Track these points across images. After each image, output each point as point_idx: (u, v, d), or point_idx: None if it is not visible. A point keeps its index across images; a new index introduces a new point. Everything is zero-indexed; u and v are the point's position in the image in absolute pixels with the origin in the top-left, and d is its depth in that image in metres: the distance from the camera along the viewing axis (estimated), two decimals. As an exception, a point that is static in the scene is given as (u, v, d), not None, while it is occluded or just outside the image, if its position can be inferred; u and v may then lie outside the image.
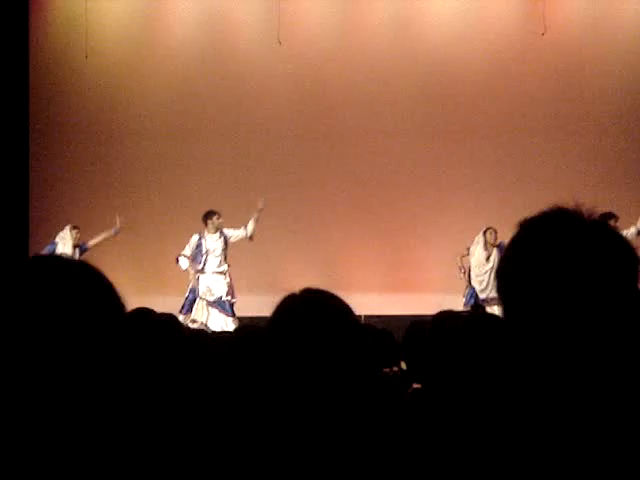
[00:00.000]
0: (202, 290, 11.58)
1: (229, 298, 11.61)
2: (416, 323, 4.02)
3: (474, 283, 11.63)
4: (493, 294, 10.83)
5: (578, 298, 1.28)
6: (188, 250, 11.74)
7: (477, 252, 11.71)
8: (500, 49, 13.93)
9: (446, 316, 2.71)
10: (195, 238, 11.72)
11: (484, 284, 11.50)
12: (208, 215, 11.75)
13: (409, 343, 3.84)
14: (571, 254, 1.30)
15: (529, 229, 1.37)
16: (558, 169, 13.64)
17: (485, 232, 11.74)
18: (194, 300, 11.59)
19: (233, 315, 11.59)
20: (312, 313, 1.68)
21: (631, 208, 12.67)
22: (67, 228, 11.79)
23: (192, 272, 11.71)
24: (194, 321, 11.32)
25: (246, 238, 11.88)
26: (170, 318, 3.22)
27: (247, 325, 3.09)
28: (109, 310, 1.28)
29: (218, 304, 11.56)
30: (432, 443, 1.52)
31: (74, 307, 1.24)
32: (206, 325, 11.12)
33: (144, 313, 3.07)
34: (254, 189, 13.56)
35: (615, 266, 1.30)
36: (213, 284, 11.62)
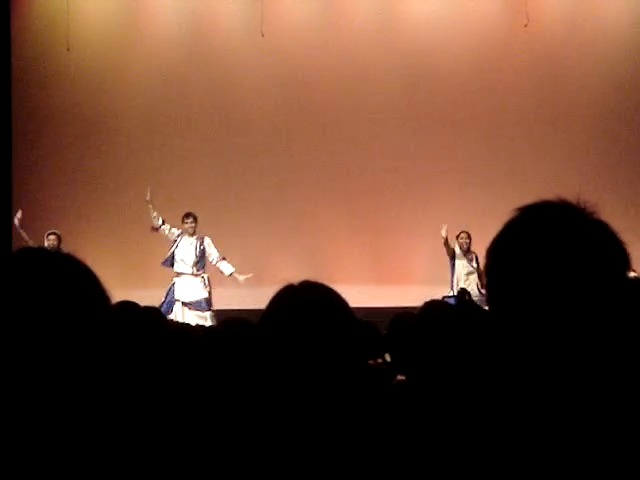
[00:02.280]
0: (178, 292, 11.29)
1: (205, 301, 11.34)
2: (400, 315, 4.03)
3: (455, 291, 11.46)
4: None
5: (566, 289, 1.28)
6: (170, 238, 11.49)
7: (459, 262, 11.63)
8: (483, 41, 13.95)
9: (434, 306, 2.71)
10: (175, 232, 11.49)
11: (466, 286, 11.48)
12: (183, 217, 11.47)
13: (394, 335, 3.85)
14: (561, 245, 1.30)
15: (521, 219, 1.36)
16: (543, 160, 13.70)
17: (457, 236, 11.71)
18: (172, 302, 11.28)
19: (210, 309, 11.37)
20: (311, 304, 1.68)
21: (616, 198, 12.73)
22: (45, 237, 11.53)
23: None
24: None
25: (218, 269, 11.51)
26: (154, 311, 3.22)
27: (232, 317, 3.08)
28: (95, 302, 1.27)
29: (194, 305, 11.29)
30: (417, 434, 1.53)
31: (60, 299, 1.23)
32: None
33: (128, 306, 3.07)
34: (239, 181, 13.55)
35: (604, 258, 1.30)
36: (189, 287, 11.32)
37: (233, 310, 11.68)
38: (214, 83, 13.74)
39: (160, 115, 13.70)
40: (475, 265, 11.48)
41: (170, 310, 11.11)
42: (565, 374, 1.27)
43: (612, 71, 14.00)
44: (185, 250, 11.36)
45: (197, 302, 11.28)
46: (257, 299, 11.61)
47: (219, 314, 11.46)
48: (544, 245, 1.30)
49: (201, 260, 11.40)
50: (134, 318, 2.91)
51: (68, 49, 13.42)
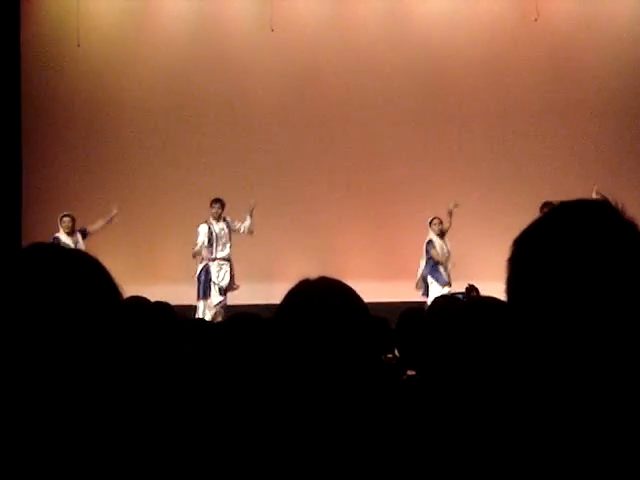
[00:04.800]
0: (214, 275, 11.75)
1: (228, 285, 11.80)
2: (408, 310, 4.02)
3: (441, 272, 11.91)
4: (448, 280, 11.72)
5: (592, 291, 1.25)
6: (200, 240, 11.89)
7: (436, 243, 12.05)
8: (493, 35, 13.92)
9: (443, 302, 2.70)
10: (202, 230, 11.84)
11: (448, 269, 11.96)
12: (211, 202, 11.90)
13: (402, 330, 3.84)
14: (593, 244, 1.27)
15: (554, 214, 1.34)
16: (552, 155, 13.66)
17: (430, 222, 12.13)
18: (208, 285, 11.75)
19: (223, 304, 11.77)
20: (327, 299, 1.68)
21: (626, 192, 12.66)
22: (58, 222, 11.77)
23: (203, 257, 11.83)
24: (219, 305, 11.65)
25: (245, 233, 12.00)
26: (164, 306, 3.22)
27: (241, 313, 3.08)
28: (106, 297, 1.27)
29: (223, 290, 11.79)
30: (427, 429, 1.52)
31: (71, 293, 1.23)
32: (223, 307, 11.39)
33: (138, 301, 3.07)
34: (248, 176, 13.55)
35: (634, 260, 1.26)
36: (220, 272, 11.80)
37: (243, 305, 11.71)
38: (223, 78, 13.74)
39: (169, 109, 13.71)
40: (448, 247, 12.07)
41: (208, 294, 11.62)
42: (580, 373, 1.26)
43: (622, 65, 13.96)
44: (219, 235, 11.80)
45: (224, 287, 11.75)
46: (267, 294, 11.71)
47: (229, 309, 11.51)
48: (574, 243, 1.27)
49: (230, 241, 11.86)
50: (145, 313, 2.91)
51: (78, 45, 13.44)
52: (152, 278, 12.37)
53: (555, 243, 1.29)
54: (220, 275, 11.79)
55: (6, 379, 1.18)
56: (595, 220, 1.30)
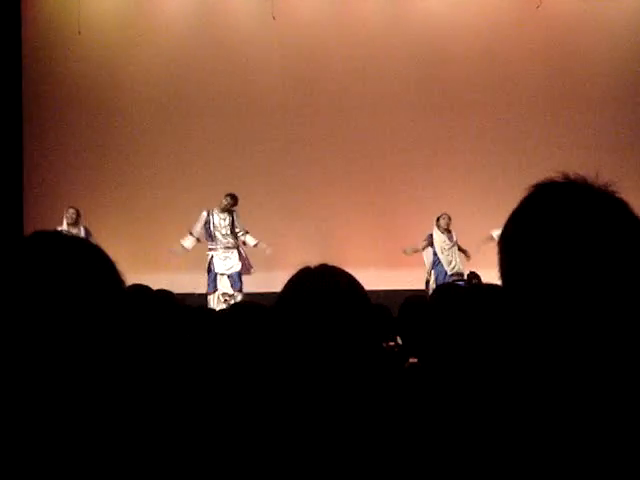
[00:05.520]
0: (217, 266, 11.86)
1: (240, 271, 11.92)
2: (411, 298, 4.02)
3: (444, 264, 12.14)
4: (457, 270, 12.01)
5: (583, 270, 1.25)
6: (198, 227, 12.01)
7: (437, 238, 12.25)
8: (495, 23, 13.87)
9: (447, 289, 2.71)
10: (202, 217, 11.96)
11: (452, 263, 12.16)
12: (225, 195, 12.00)
13: (404, 318, 3.84)
14: (581, 221, 1.27)
15: (540, 194, 1.33)
16: (554, 142, 13.63)
17: (438, 219, 12.28)
18: (214, 277, 11.88)
19: (241, 291, 11.85)
20: (329, 287, 1.69)
21: (627, 181, 12.64)
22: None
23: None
24: (225, 294, 11.73)
25: (240, 237, 12.10)
26: (167, 294, 3.22)
27: (244, 301, 3.08)
28: (109, 285, 1.28)
29: (229, 278, 11.87)
30: (429, 417, 1.53)
31: (75, 281, 1.23)
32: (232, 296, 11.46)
33: (141, 289, 3.07)
34: (249, 165, 13.55)
35: (623, 240, 1.26)
36: (226, 260, 11.90)
37: (244, 293, 11.75)
38: (225, 66, 13.71)
39: (170, 97, 13.69)
40: (454, 240, 12.22)
41: (215, 286, 11.79)
42: (579, 357, 1.26)
43: (624, 53, 13.91)
44: (217, 225, 11.89)
45: (233, 275, 11.84)
46: (268, 282, 11.70)
47: (230, 297, 11.53)
48: (563, 222, 1.27)
49: (234, 232, 11.96)
50: (147, 301, 2.91)
51: (79, 32, 13.41)
52: (153, 267, 12.39)
53: (541, 223, 1.28)
54: (227, 264, 11.87)
55: (10, 365, 1.19)
56: (581, 198, 1.29)
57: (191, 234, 12.01)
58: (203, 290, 11.84)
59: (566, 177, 1.33)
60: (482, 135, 13.78)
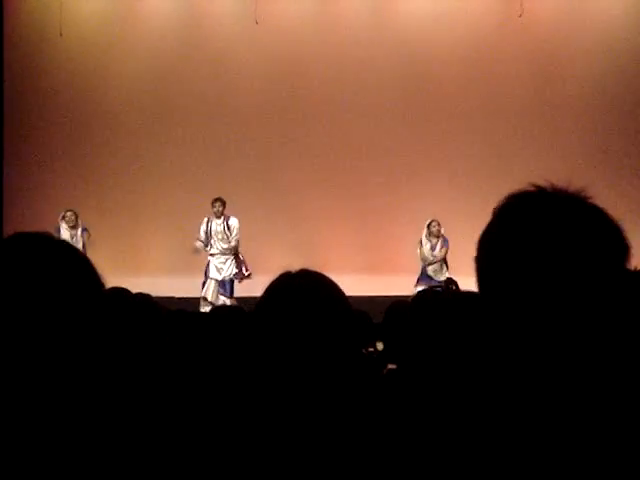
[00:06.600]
0: (212, 271, 12.06)
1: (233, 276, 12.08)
2: (396, 303, 4.00)
3: (428, 270, 12.38)
4: (442, 277, 12.08)
5: (561, 278, 1.25)
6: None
7: (424, 243, 12.42)
8: (477, 31, 13.93)
9: (426, 296, 2.71)
10: (203, 224, 12.14)
11: (437, 269, 12.35)
12: (212, 201, 12.14)
13: (389, 323, 3.83)
14: (556, 231, 1.27)
15: (510, 206, 1.34)
16: (536, 151, 13.69)
17: (429, 225, 12.42)
18: (205, 281, 12.09)
19: (231, 296, 11.97)
20: (308, 292, 1.69)
21: (610, 190, 12.75)
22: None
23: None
24: (205, 299, 11.89)
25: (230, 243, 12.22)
26: (145, 298, 3.21)
27: (223, 305, 3.08)
28: (88, 287, 1.27)
29: (221, 284, 12.04)
30: (407, 423, 1.53)
31: (54, 283, 1.23)
32: (213, 304, 11.48)
33: (120, 292, 3.06)
34: (232, 169, 13.53)
35: (600, 245, 1.26)
36: (220, 266, 12.09)
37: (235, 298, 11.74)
38: (208, 70, 13.70)
39: (152, 101, 13.66)
40: (438, 248, 12.43)
41: (203, 288, 12.01)
42: (558, 365, 1.27)
43: (607, 62, 13.99)
44: (215, 231, 12.09)
45: (224, 280, 12.03)
46: (248, 287, 11.65)
47: (210, 302, 11.52)
48: (537, 232, 1.27)
49: (229, 238, 12.14)
50: (126, 304, 2.91)
51: (61, 34, 13.37)
52: (134, 270, 12.35)
53: (517, 237, 1.29)
54: (224, 268, 12.04)
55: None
56: (555, 207, 1.30)
57: (198, 239, 12.17)
58: (184, 294, 11.83)
59: (537, 187, 1.33)
60: (465, 143, 13.82)
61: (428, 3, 14.00)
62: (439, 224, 12.43)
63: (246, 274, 12.11)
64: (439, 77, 13.87)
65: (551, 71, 13.98)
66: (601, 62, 14.00)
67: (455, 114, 13.84)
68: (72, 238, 11.69)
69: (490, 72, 13.94)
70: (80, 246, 11.42)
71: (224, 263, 12.07)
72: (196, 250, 12.18)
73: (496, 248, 1.31)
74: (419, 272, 12.43)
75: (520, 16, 13.70)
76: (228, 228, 12.11)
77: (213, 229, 12.09)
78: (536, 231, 1.27)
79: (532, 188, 1.34)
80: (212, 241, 12.09)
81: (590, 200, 1.32)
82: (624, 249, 1.28)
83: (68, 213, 12.06)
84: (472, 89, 13.91)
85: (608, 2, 14.22)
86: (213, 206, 12.10)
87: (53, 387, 1.22)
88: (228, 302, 11.62)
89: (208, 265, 12.09)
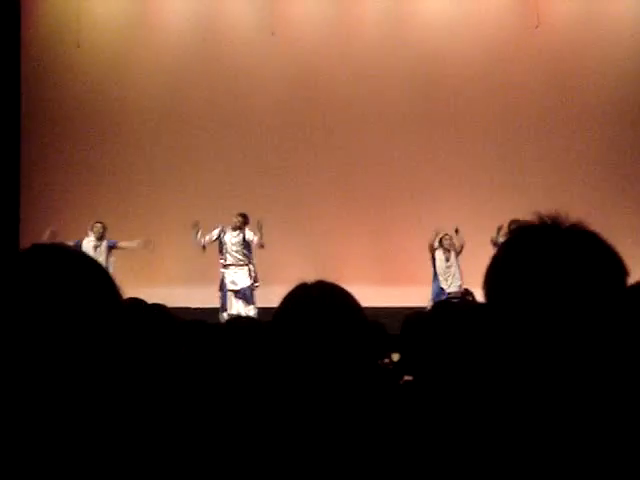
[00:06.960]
0: (228, 283, 11.98)
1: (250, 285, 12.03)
2: (413, 314, 3.99)
3: (441, 282, 12.47)
4: (454, 289, 12.23)
5: (565, 306, 1.33)
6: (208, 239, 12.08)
7: (438, 256, 12.48)
8: (493, 42, 13.93)
9: (443, 307, 2.71)
10: (215, 233, 12.03)
11: (449, 281, 12.43)
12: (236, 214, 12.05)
13: (406, 335, 3.81)
14: (555, 261, 1.36)
15: (517, 237, 1.44)
16: (550, 162, 13.67)
17: (441, 240, 12.49)
18: (225, 295, 11.98)
19: (253, 303, 11.93)
20: (325, 303, 1.70)
21: (625, 202, 12.70)
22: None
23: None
24: (224, 310, 11.83)
25: (256, 246, 12.17)
26: (160, 308, 3.21)
27: (239, 316, 3.08)
28: (107, 298, 1.28)
29: (240, 293, 11.97)
30: (422, 434, 1.53)
31: (72, 294, 1.24)
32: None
33: (136, 303, 3.07)
34: (247, 179, 13.55)
35: (598, 271, 1.35)
36: (235, 276, 12.00)
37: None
38: (224, 82, 13.75)
39: (168, 111, 13.71)
40: (452, 260, 12.56)
41: (226, 305, 11.88)
42: (569, 380, 1.29)
43: (624, 72, 13.96)
44: (230, 242, 11.97)
45: (242, 290, 11.93)
46: (263, 297, 11.64)
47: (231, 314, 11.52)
48: (537, 268, 1.36)
49: (246, 250, 12.03)
50: (142, 314, 2.91)
51: (78, 46, 13.46)
52: (149, 280, 12.37)
53: (518, 273, 1.38)
54: (236, 279, 11.96)
55: (7, 379, 1.19)
56: (547, 241, 1.40)
57: (203, 243, 12.09)
58: (199, 304, 11.83)
59: (540, 218, 1.43)
60: (480, 154, 13.81)
61: (445, 15, 14.01)
62: (451, 238, 12.50)
63: (256, 285, 12.10)
64: (456, 88, 13.87)
65: (567, 82, 13.95)
66: (618, 72, 13.97)
67: (471, 126, 13.83)
68: (95, 249, 11.66)
69: (507, 83, 13.93)
70: (103, 258, 11.45)
71: (237, 274, 12.00)
72: (194, 242, 12.04)
73: (503, 278, 1.41)
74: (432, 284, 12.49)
75: (537, 27, 13.69)
76: (244, 239, 12.03)
77: (227, 240, 11.99)
78: (540, 263, 1.37)
79: (535, 220, 1.44)
80: (226, 253, 11.98)
81: (586, 228, 1.42)
82: (622, 273, 1.38)
83: (97, 224, 12.02)
84: (489, 101, 13.90)
85: (625, 12, 14.20)
86: (235, 217, 12.00)
87: (72, 397, 1.22)
88: (251, 311, 11.64)
89: (223, 278, 12.00)
